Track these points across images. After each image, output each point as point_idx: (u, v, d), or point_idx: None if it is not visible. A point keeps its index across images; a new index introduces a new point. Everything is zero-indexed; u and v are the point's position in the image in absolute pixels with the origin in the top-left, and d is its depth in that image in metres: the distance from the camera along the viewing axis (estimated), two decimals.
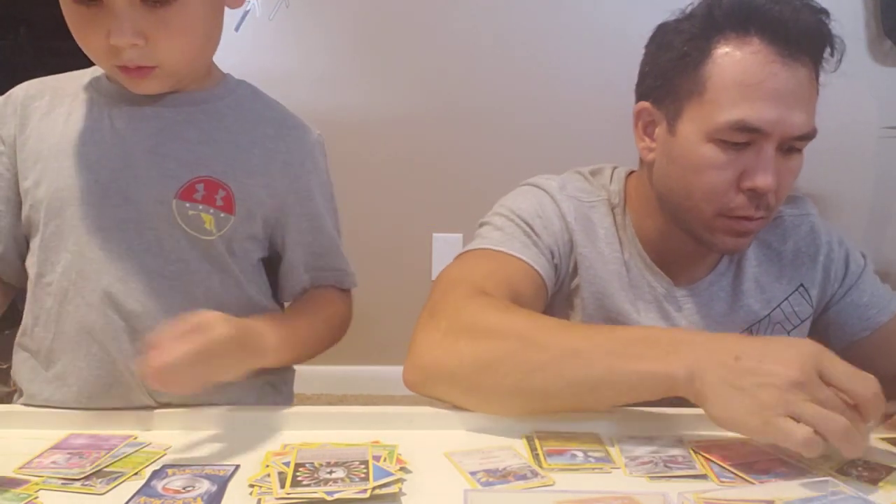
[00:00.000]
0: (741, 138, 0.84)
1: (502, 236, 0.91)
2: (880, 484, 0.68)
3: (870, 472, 0.70)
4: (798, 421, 0.64)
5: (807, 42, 0.84)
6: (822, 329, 1.03)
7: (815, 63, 0.86)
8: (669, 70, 0.89)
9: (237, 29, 2.37)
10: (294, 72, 2.43)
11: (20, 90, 0.92)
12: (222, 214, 0.89)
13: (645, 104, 0.93)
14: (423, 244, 2.49)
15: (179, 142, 0.89)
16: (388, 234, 2.51)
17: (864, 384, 0.65)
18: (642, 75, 0.95)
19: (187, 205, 0.87)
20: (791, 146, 0.86)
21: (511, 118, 2.47)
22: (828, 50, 0.87)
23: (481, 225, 0.96)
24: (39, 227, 0.88)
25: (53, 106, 0.90)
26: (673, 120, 0.89)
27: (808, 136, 0.86)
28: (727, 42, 0.85)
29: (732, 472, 0.69)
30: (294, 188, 0.94)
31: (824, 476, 0.66)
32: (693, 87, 0.86)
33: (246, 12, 2.37)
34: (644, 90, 0.94)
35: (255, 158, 0.92)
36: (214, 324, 0.76)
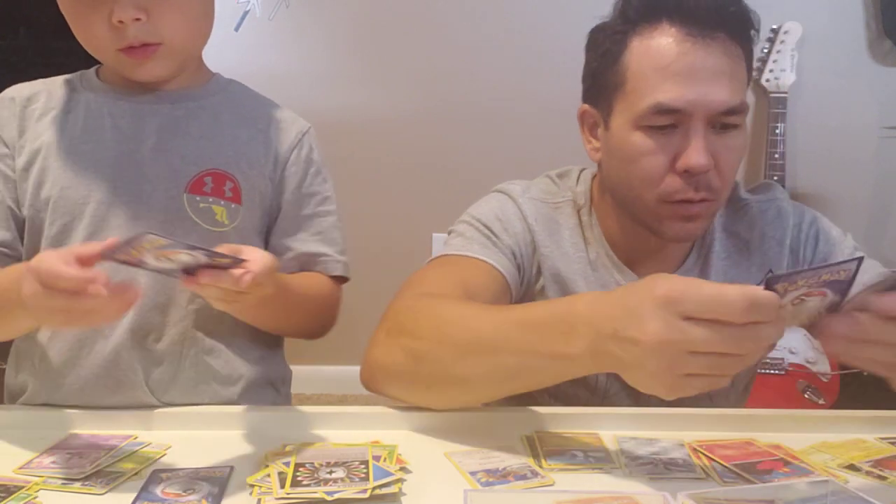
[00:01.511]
0: (664, 121, 0.85)
1: (463, 241, 0.93)
2: (889, 480, 0.68)
3: (878, 469, 0.70)
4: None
5: (717, 17, 0.84)
6: None
7: (736, 38, 0.86)
8: (596, 69, 0.91)
9: (237, 29, 2.37)
10: (294, 72, 2.43)
11: (14, 92, 0.93)
12: (233, 205, 0.90)
13: (585, 106, 0.95)
14: (423, 244, 2.49)
15: (183, 137, 0.90)
16: (388, 234, 2.51)
17: (729, 307, 0.58)
18: (582, 79, 0.97)
19: (198, 198, 0.88)
20: (724, 123, 0.85)
21: (511, 118, 2.47)
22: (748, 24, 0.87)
23: (448, 233, 0.98)
24: (44, 227, 0.88)
25: (49, 107, 0.91)
26: (607, 116, 0.91)
27: (736, 110, 0.85)
28: (641, 32, 0.86)
29: (735, 472, 0.69)
30: (283, 176, 0.96)
31: (825, 476, 0.66)
32: (616, 80, 0.88)
33: (246, 12, 2.37)
34: (583, 93, 0.96)
35: (254, 151, 0.94)
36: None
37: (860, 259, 0.61)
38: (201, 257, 0.65)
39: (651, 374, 0.62)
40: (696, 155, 0.83)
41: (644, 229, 0.92)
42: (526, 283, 0.95)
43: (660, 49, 0.85)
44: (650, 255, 0.97)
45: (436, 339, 0.77)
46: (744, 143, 0.89)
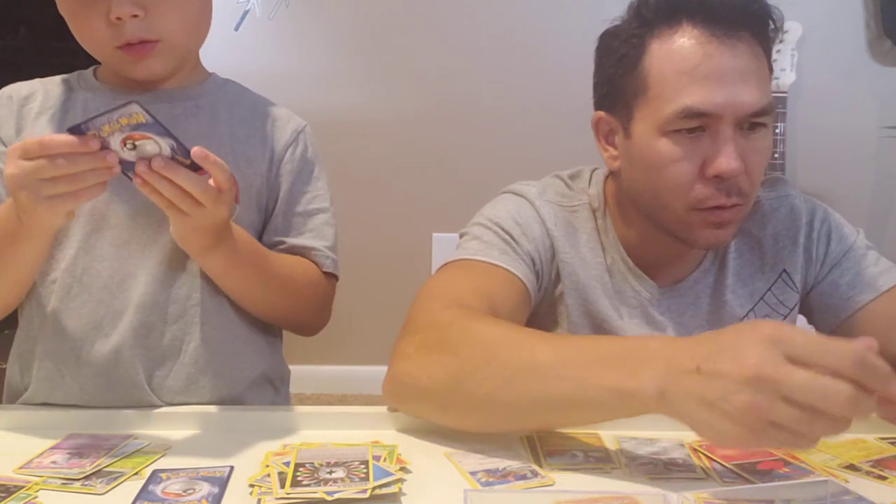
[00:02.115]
0: (692, 125, 0.82)
1: (480, 245, 0.90)
2: (889, 480, 0.68)
3: (878, 469, 0.70)
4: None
5: (740, 17, 0.82)
6: (807, 314, 1.01)
7: (758, 36, 0.84)
8: (613, 75, 0.89)
9: (237, 29, 2.37)
10: (294, 72, 2.43)
11: (12, 90, 0.93)
12: None
13: (600, 113, 0.92)
14: (423, 244, 2.50)
15: (181, 136, 0.89)
16: (388, 234, 2.51)
17: (839, 355, 0.56)
18: (594, 85, 0.94)
19: None
20: (751, 123, 0.83)
21: (511, 118, 2.47)
22: (771, 23, 0.85)
23: (462, 236, 0.95)
24: None
25: (46, 106, 0.91)
26: (627, 123, 0.88)
27: (764, 111, 0.83)
28: (661, 35, 0.84)
29: (735, 472, 0.69)
30: (278, 173, 0.97)
31: (825, 476, 0.66)
32: (636, 86, 0.85)
33: (246, 12, 2.37)
34: (597, 100, 0.93)
35: (251, 149, 0.94)
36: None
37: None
38: (166, 148, 0.68)
39: (732, 414, 0.57)
40: (727, 160, 0.81)
41: (667, 236, 0.90)
42: (544, 290, 0.93)
43: (683, 52, 0.82)
44: (667, 260, 0.95)
45: (482, 359, 0.72)
46: (770, 143, 0.87)
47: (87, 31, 0.85)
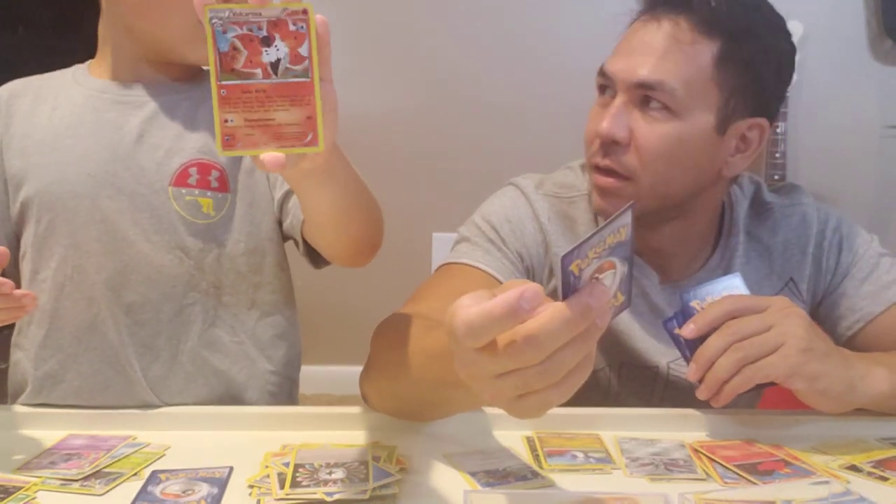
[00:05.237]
0: (602, 82, 0.90)
1: (468, 247, 0.92)
2: (890, 481, 0.68)
3: (880, 469, 0.70)
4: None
5: (674, 1, 0.87)
6: (820, 324, 0.96)
7: (699, 25, 0.84)
8: None
9: None
10: None
11: (4, 90, 0.93)
12: (220, 195, 0.89)
13: None
14: (423, 244, 2.49)
15: (166, 129, 0.90)
16: (388, 234, 2.50)
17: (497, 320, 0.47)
18: None
19: (183, 191, 0.88)
20: (646, 97, 0.85)
21: (512, 117, 2.47)
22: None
23: (458, 233, 0.97)
24: (31, 224, 0.88)
25: (37, 103, 0.91)
26: None
27: (651, 86, 0.84)
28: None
29: (736, 473, 0.69)
30: None
31: (827, 477, 0.66)
32: None
33: None
34: None
35: None
36: None
37: (632, 205, 0.51)
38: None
39: (492, 404, 0.52)
40: (603, 120, 0.86)
41: (657, 225, 0.91)
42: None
43: (633, 27, 0.90)
44: (672, 253, 0.95)
45: (392, 375, 0.74)
46: (677, 135, 0.85)
47: None
